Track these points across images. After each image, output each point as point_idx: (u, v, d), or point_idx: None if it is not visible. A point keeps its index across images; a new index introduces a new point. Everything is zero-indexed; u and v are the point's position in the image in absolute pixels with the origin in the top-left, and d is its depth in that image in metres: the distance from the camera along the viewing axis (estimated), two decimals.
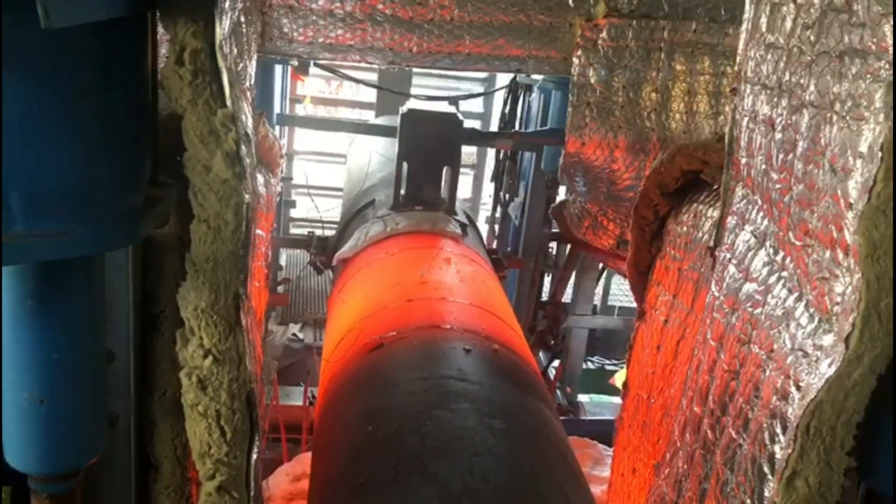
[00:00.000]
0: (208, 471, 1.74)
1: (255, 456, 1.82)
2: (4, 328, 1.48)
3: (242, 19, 1.70)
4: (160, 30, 1.52)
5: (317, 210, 7.43)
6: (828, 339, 1.41)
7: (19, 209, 1.33)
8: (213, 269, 1.60)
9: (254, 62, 1.93)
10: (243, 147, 1.54)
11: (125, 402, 1.83)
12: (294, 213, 9.80)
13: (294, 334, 8.11)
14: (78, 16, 1.19)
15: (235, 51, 1.60)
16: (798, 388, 1.47)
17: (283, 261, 8.70)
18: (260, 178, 3.01)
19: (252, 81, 1.84)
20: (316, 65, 5.35)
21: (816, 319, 1.47)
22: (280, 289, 8.05)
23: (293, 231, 9.63)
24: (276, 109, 6.19)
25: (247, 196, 1.58)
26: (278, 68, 6.08)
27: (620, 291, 8.93)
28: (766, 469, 1.56)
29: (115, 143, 1.42)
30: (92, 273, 1.52)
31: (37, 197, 1.34)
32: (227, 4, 1.52)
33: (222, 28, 1.47)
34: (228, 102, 1.50)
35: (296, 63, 5.26)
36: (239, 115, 1.53)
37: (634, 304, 3.06)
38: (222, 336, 1.64)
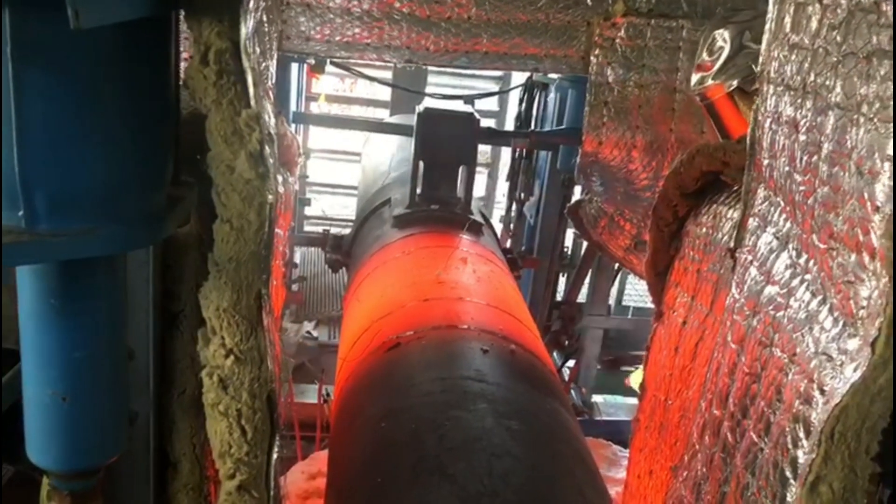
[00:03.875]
0: (228, 470, 1.74)
1: (275, 455, 1.82)
2: (27, 326, 1.49)
3: (265, 18, 1.70)
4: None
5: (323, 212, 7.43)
6: (853, 344, 1.40)
7: (44, 208, 1.34)
8: (236, 269, 1.60)
9: (275, 61, 1.93)
10: (267, 147, 1.54)
11: (144, 400, 1.83)
12: (308, 210, 9.82)
13: (308, 332, 8.13)
14: (106, 16, 1.19)
15: (258, 50, 1.59)
16: (822, 392, 1.45)
17: (297, 258, 8.72)
18: (278, 178, 3.01)
19: (273, 81, 1.84)
20: (332, 63, 5.35)
21: (841, 323, 1.45)
22: (294, 287, 8.08)
23: (307, 229, 9.65)
24: (293, 107, 6.20)
25: (270, 196, 1.58)
26: (294, 66, 6.08)
27: (635, 292, 8.90)
28: (788, 473, 1.55)
29: (140, 142, 1.42)
30: (114, 271, 1.53)
31: (61, 196, 1.34)
32: (251, 4, 1.51)
33: (247, 28, 1.47)
34: (253, 102, 1.49)
35: (312, 61, 5.27)
36: (263, 115, 1.53)
37: (648, 305, 3.04)
38: (244, 336, 1.64)
